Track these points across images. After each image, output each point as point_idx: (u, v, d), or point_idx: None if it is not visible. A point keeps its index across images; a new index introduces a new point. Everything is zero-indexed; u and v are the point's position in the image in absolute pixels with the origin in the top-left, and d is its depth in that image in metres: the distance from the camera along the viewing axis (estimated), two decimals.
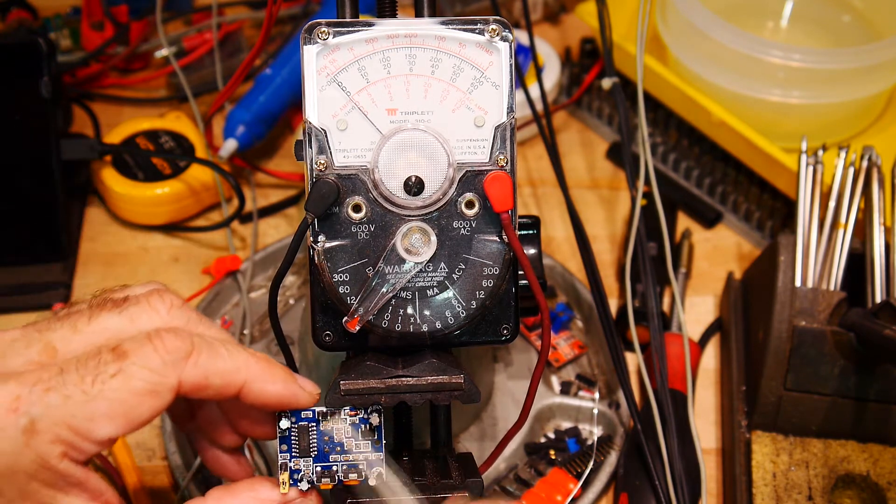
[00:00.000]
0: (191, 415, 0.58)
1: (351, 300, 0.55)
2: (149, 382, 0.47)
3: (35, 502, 0.47)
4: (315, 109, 0.56)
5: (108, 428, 0.47)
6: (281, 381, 0.52)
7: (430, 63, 0.56)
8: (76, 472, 0.47)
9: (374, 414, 0.54)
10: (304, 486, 0.53)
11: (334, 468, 0.53)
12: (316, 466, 0.53)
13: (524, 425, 0.74)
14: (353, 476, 0.53)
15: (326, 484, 0.53)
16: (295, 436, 0.53)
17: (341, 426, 0.54)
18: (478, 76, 0.57)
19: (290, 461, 0.53)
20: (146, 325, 0.50)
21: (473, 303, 0.56)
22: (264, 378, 0.51)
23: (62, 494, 0.47)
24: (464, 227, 0.56)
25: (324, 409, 0.54)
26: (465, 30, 0.57)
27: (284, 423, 0.53)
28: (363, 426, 0.54)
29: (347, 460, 0.53)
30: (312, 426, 0.54)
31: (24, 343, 0.49)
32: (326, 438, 0.53)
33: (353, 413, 0.54)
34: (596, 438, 0.75)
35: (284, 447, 0.53)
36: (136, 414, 0.48)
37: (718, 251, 0.92)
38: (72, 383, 0.47)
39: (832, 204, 0.77)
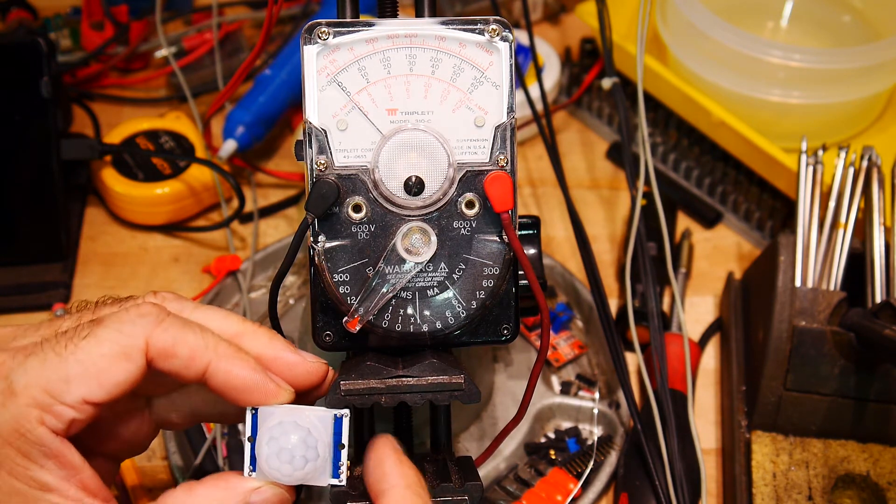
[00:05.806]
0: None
1: (351, 300, 0.55)
2: (118, 343, 0.48)
3: (7, 471, 0.47)
4: (315, 109, 0.56)
5: (82, 389, 0.47)
6: (250, 368, 0.51)
7: (430, 63, 0.56)
8: (53, 442, 0.47)
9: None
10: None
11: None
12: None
13: (524, 424, 0.76)
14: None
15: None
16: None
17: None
18: (478, 76, 0.57)
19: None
20: None
21: (474, 303, 0.56)
22: (231, 361, 0.50)
23: (36, 466, 0.47)
24: (464, 227, 0.56)
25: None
26: (465, 30, 0.57)
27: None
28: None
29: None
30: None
31: (34, 328, 0.51)
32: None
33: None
34: (596, 438, 0.75)
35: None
36: (109, 376, 0.48)
37: (718, 251, 0.92)
38: (49, 348, 0.48)
39: (832, 204, 0.77)
